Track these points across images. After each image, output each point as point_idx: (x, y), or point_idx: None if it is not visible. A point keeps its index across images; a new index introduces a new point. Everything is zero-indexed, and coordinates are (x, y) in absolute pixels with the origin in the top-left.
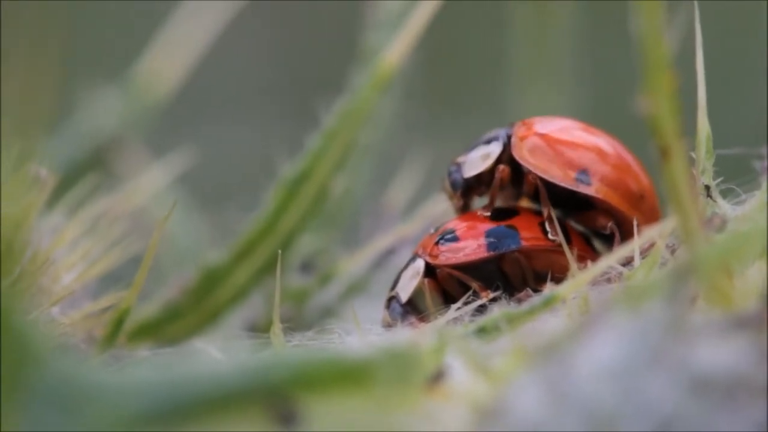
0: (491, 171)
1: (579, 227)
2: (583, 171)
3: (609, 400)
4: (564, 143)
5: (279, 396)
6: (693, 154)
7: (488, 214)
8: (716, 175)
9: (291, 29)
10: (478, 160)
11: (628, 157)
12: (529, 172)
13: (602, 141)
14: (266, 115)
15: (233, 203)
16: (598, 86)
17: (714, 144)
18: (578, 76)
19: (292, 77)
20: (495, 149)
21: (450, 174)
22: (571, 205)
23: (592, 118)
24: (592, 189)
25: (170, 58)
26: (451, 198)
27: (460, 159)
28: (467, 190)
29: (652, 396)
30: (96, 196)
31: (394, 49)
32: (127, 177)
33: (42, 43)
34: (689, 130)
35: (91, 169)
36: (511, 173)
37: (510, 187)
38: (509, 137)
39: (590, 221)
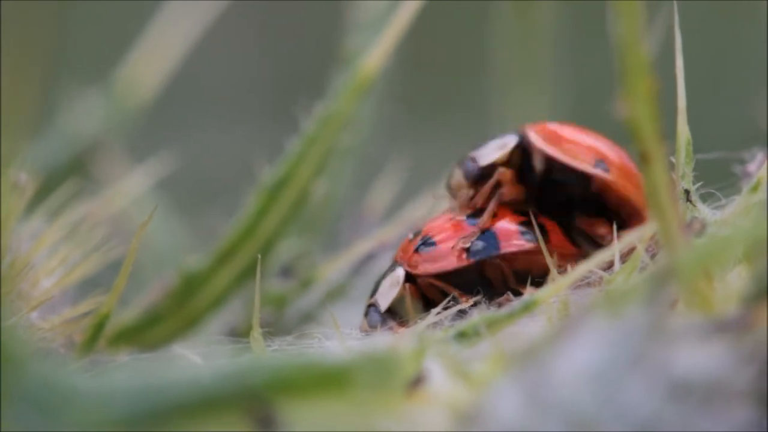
0: (506, 162)
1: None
2: (601, 160)
3: (588, 404)
4: (576, 137)
5: (257, 400)
6: (673, 159)
7: (464, 217)
8: (696, 179)
9: (272, 33)
10: (494, 149)
11: (629, 159)
12: (549, 160)
13: (606, 142)
14: (247, 119)
15: (214, 208)
16: (580, 89)
17: (694, 148)
18: (560, 79)
19: (274, 81)
20: (511, 140)
21: (463, 165)
22: (578, 205)
23: (575, 121)
24: (611, 176)
25: (151, 62)
26: (457, 191)
27: (474, 153)
28: (480, 181)
29: (631, 400)
30: (76, 200)
31: (375, 52)
32: (107, 182)
33: (23, 47)
34: (669, 134)
35: (71, 173)
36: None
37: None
38: (521, 135)
39: (591, 227)
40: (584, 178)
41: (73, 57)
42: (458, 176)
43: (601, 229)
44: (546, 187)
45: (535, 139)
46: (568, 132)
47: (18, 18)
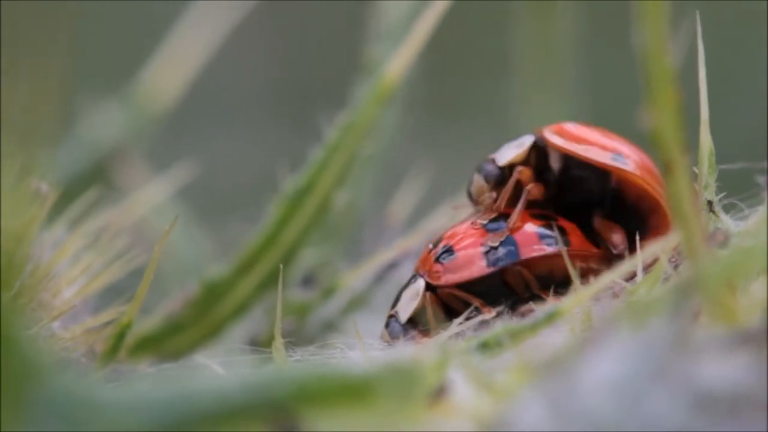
0: (524, 161)
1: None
2: (618, 153)
3: (612, 415)
4: (591, 135)
5: (281, 410)
6: (696, 169)
7: (484, 223)
8: (719, 190)
9: (293, 41)
10: (513, 148)
11: (647, 157)
12: (565, 157)
13: (623, 140)
14: (268, 127)
15: (235, 216)
16: (602, 97)
17: (717, 159)
18: (582, 87)
19: (295, 89)
20: (528, 139)
21: (482, 168)
22: (596, 203)
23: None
24: (629, 167)
25: (171, 70)
26: (479, 196)
27: (492, 155)
28: (501, 182)
29: (655, 411)
30: (97, 209)
31: (397, 61)
32: (128, 190)
33: (43, 55)
34: (692, 144)
35: (92, 182)
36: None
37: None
38: (537, 135)
39: (608, 232)
40: (602, 172)
41: (93, 65)
42: (478, 180)
43: (616, 237)
44: (563, 186)
45: (551, 136)
46: (584, 130)
47: (38, 26)
